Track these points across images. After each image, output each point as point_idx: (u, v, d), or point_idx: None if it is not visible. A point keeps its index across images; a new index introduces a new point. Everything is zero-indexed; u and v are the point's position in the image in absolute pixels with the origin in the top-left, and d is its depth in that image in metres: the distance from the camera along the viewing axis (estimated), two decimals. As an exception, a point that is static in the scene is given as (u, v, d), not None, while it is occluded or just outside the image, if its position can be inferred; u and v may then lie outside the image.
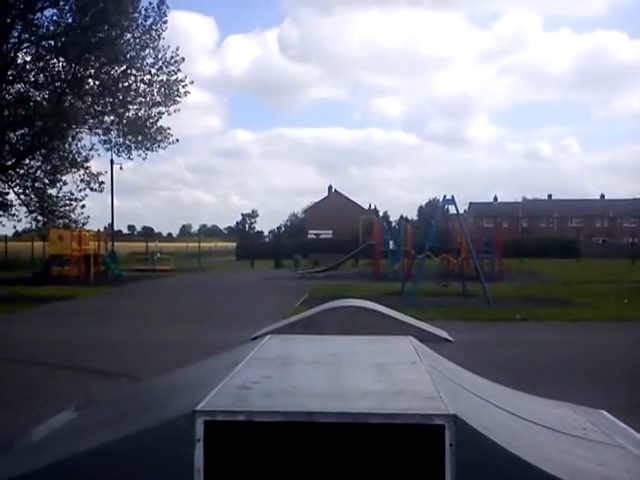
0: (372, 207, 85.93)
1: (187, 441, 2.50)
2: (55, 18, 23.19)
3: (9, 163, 24.23)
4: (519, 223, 75.70)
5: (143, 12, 23.91)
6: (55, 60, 23.68)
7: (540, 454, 2.73)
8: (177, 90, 25.00)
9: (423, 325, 10.28)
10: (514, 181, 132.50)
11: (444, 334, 10.02)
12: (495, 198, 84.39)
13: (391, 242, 27.47)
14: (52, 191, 25.42)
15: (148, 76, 24.62)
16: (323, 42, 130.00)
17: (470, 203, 76.65)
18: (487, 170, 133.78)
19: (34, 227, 26.84)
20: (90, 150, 25.60)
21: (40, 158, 25.05)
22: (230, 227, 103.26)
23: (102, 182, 26.19)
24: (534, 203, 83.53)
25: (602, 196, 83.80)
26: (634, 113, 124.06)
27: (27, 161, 24.95)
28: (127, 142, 25.68)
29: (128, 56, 24.05)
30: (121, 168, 37.29)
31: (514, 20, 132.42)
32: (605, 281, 22.55)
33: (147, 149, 25.81)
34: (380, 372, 3.32)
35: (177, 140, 26.55)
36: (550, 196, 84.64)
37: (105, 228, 39.33)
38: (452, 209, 17.55)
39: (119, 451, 2.63)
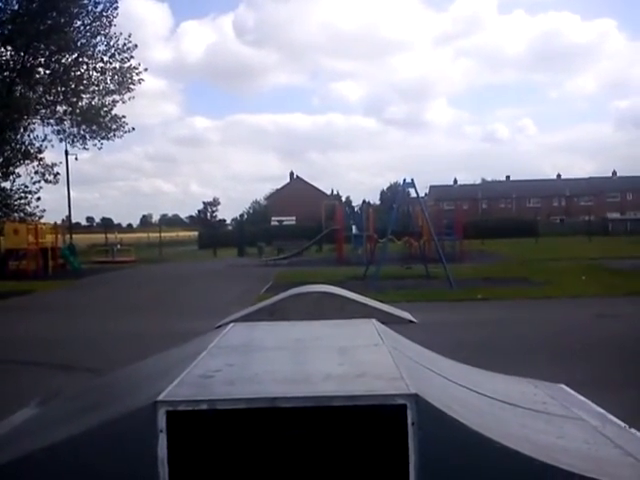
0: (334, 192, 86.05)
1: (150, 432, 2.47)
2: (0, 5, 22.51)
3: (-41, 156, 23.54)
4: (479, 205, 76.72)
5: (93, -2, 23.38)
6: (2, 49, 23.00)
7: (501, 429, 2.78)
8: (131, 77, 24.61)
9: (387, 308, 10.38)
10: (473, 163, 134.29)
11: (407, 315, 10.14)
12: (455, 181, 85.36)
13: (354, 227, 27.58)
14: (5, 184, 24.85)
15: (100, 64, 24.17)
16: (280, 26, 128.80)
17: (430, 186, 77.39)
18: (446, 153, 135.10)
19: (-12, 222, 26.17)
20: (43, 141, 25.06)
21: (-9, 151, 24.39)
22: (192, 216, 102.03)
23: (57, 173, 25.72)
24: (493, 185, 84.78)
25: (559, 176, 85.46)
26: (587, 93, 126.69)
27: (-22, 154, 24.27)
28: (81, 132, 25.24)
29: (79, 44, 23.52)
30: (76, 159, 36.52)
31: (470, 2, 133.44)
32: (563, 259, 23.09)
33: (102, 138, 25.41)
34: (343, 355, 3.34)
35: (133, 129, 26.21)
36: (508, 177, 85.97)
37: (63, 220, 38.62)
38: (413, 192, 17.72)
39: (81, 444, 2.59)
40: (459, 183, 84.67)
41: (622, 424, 3.49)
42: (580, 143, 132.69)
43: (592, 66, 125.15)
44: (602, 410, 3.78)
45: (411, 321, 9.89)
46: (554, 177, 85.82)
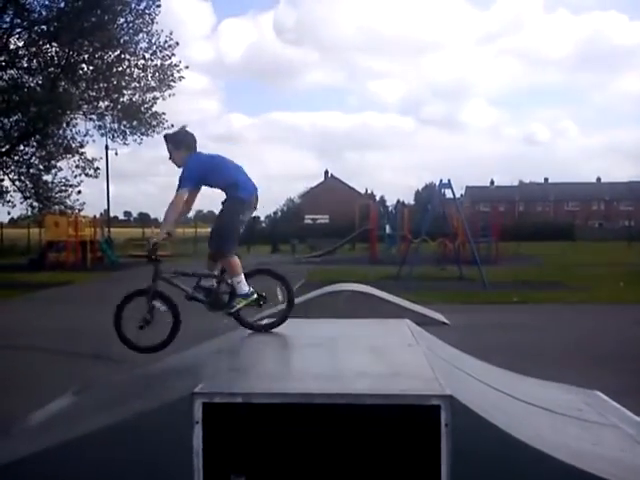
0: (369, 192, 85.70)
1: (186, 423, 2.51)
2: (47, 3, 23.00)
3: (3, 149, 24.13)
4: (516, 207, 75.67)
5: (136, -4, 23.69)
6: (48, 45, 23.48)
7: (535, 434, 2.76)
8: (171, 75, 24.85)
9: (420, 308, 10.32)
10: (511, 165, 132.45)
11: (441, 317, 10.06)
12: (492, 182, 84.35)
13: (387, 226, 27.49)
14: (47, 177, 25.38)
15: (142, 61, 24.47)
16: (319, 25, 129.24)
17: (467, 187, 76.53)
18: (484, 154, 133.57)
19: (30, 213, 26.79)
20: (85, 136, 25.54)
21: (34, 144, 24.94)
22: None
23: (97, 168, 26.15)
24: (530, 187, 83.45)
25: (598, 179, 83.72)
26: (631, 95, 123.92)
27: (22, 147, 24.85)
28: (122, 127, 25.58)
29: (121, 41, 23.86)
30: (116, 154, 37.26)
31: (512, 1, 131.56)
32: (601, 264, 22.63)
33: (142, 134, 25.72)
34: (377, 354, 3.34)
35: (172, 125, 26.37)
36: (546, 180, 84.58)
37: (101, 214, 39.34)
38: (449, 193, 17.59)
39: (118, 434, 2.65)
40: (496, 184, 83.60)
41: (659, 433, 3.42)
42: (622, 146, 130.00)
43: (638, 67, 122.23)
44: (638, 418, 3.70)
45: (444, 323, 9.81)
46: (594, 180, 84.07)
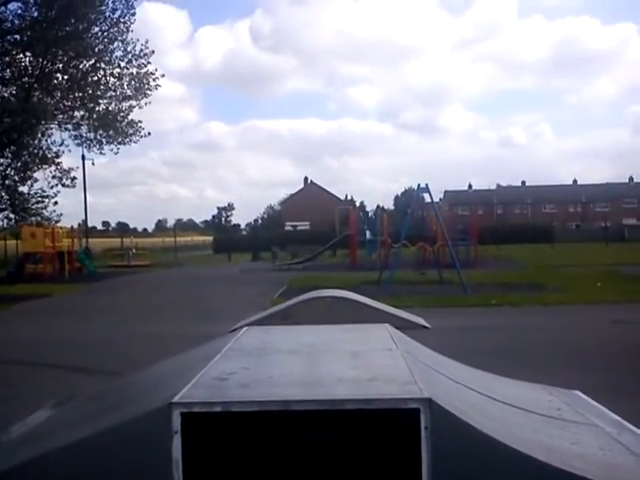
0: (348, 197, 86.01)
1: (164, 433, 2.49)
2: (20, 12, 22.76)
3: (-22, 161, 23.80)
4: (494, 210, 76.35)
5: (110, 4, 23.49)
6: (22, 55, 23.24)
7: (515, 435, 2.78)
8: (148, 83, 24.71)
9: (400, 313, 10.36)
10: (488, 169, 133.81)
11: (421, 321, 10.11)
12: (470, 186, 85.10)
13: (368, 232, 27.58)
14: (23, 188, 24.98)
15: (117, 69, 24.31)
16: (296, 32, 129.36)
17: (445, 191, 77.16)
18: (462, 158, 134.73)
19: (6, 225, 26.40)
20: (60, 146, 25.22)
21: (9, 155, 24.59)
22: (206, 221, 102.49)
23: (74, 178, 25.83)
24: (508, 190, 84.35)
25: (575, 181, 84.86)
26: (606, 99, 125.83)
27: (-4, 159, 24.53)
28: (98, 137, 25.35)
29: (96, 49, 23.69)
30: (93, 164, 36.98)
31: (487, 7, 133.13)
32: (579, 265, 22.90)
33: (119, 143, 25.51)
34: (356, 359, 3.34)
35: (149, 133, 26.27)
36: (524, 183, 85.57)
37: (79, 225, 38.89)
38: (427, 197, 17.71)
39: (97, 445, 2.62)
40: (474, 188, 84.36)
41: (638, 431, 3.46)
42: (597, 149, 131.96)
43: (611, 71, 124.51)
44: (617, 417, 3.74)
45: (424, 326, 9.86)
46: (570, 183, 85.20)
